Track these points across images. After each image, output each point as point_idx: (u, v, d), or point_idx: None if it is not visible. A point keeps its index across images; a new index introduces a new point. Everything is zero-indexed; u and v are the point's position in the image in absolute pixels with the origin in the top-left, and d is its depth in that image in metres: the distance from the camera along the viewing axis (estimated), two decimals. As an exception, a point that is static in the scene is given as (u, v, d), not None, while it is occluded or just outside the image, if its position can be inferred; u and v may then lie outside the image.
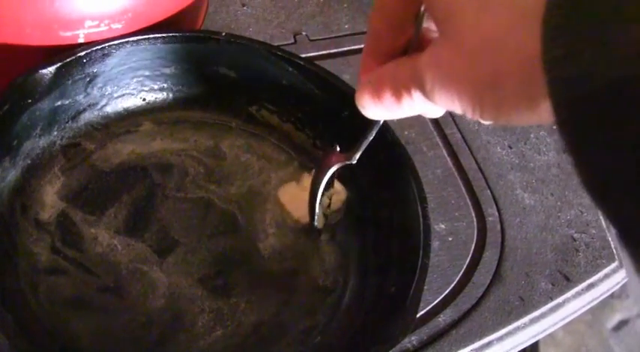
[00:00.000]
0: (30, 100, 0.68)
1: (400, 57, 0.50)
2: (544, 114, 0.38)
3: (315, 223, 0.72)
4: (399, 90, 0.47)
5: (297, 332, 0.68)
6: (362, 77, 0.53)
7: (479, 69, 0.40)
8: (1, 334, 0.56)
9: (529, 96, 0.38)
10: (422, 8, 0.48)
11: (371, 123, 0.62)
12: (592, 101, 0.31)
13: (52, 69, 0.68)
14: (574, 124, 0.33)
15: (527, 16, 0.36)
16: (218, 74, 0.79)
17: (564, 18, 0.33)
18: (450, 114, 0.91)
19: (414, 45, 0.50)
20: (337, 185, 0.73)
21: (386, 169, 0.72)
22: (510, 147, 0.90)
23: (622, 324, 2.04)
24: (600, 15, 0.32)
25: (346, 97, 0.75)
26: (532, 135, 0.93)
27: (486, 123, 0.48)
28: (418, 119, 0.89)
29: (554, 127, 0.90)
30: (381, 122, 0.62)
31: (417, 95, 0.46)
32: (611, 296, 2.05)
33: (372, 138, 0.63)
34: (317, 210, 0.71)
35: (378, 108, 0.51)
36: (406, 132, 0.84)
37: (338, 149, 0.68)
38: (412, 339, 0.71)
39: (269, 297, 0.70)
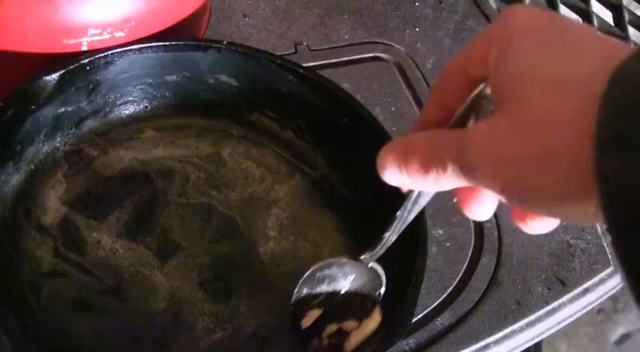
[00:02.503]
0: (34, 106, 0.69)
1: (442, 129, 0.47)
2: (590, 211, 0.37)
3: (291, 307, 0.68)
4: (432, 159, 0.44)
5: (297, 336, 0.69)
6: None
7: (533, 144, 0.38)
8: (3, 336, 0.58)
9: (578, 185, 0.36)
10: (480, 87, 0.46)
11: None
12: None
13: (55, 76, 0.70)
14: (627, 240, 0.32)
15: (595, 105, 0.35)
16: (219, 82, 0.80)
17: (617, 129, 0.33)
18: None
19: (459, 120, 0.47)
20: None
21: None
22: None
23: (625, 338, 2.04)
24: None
25: (346, 105, 0.77)
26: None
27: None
28: (417, 127, 0.90)
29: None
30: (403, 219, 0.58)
31: (451, 169, 0.43)
32: (614, 310, 2.06)
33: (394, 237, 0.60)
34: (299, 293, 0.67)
35: (400, 174, 0.46)
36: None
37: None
38: (410, 342, 0.72)
39: (269, 301, 0.71)
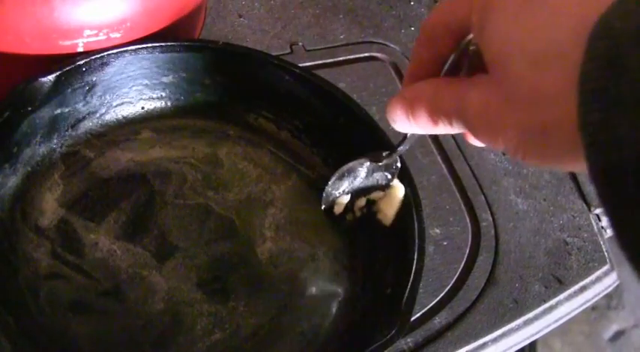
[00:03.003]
0: (30, 108, 0.69)
1: (440, 78, 0.51)
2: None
3: (323, 205, 0.75)
4: (438, 114, 0.47)
5: (295, 334, 0.69)
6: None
7: (527, 119, 0.40)
8: (3, 338, 0.57)
9: (574, 148, 0.38)
10: (468, 38, 0.49)
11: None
12: (636, 168, 0.32)
13: (51, 77, 0.69)
14: (612, 190, 0.33)
15: (573, 75, 0.36)
16: (216, 82, 0.80)
17: (600, 81, 0.34)
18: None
19: (451, 67, 0.51)
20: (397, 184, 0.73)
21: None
22: (503, 154, 0.92)
23: (618, 335, 2.05)
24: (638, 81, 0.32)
25: (342, 105, 0.77)
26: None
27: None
28: (413, 127, 0.91)
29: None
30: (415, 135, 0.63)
31: (457, 125, 0.46)
32: (608, 307, 2.07)
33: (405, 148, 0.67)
34: (328, 191, 0.74)
35: (409, 125, 0.50)
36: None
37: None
38: (408, 341, 0.72)
39: (267, 301, 0.71)
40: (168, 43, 0.76)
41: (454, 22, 0.48)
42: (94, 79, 0.74)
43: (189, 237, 0.73)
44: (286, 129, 0.82)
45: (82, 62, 0.71)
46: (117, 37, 0.73)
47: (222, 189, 0.78)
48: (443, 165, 0.89)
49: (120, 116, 0.79)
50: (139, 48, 0.75)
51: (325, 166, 0.80)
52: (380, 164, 0.70)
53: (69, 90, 0.72)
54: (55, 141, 0.74)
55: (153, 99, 0.80)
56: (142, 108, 0.80)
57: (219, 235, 0.74)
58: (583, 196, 0.89)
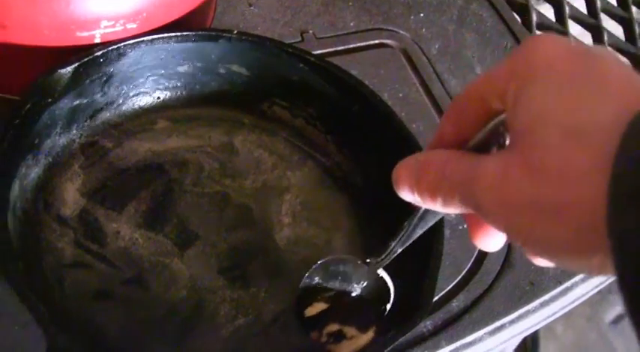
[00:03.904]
0: (50, 100, 0.70)
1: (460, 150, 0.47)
2: (595, 264, 0.36)
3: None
4: (441, 185, 0.44)
5: (298, 321, 0.70)
6: None
7: (547, 194, 0.37)
8: (37, 326, 0.58)
9: (585, 241, 0.36)
10: (501, 117, 0.44)
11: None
12: None
13: (70, 69, 0.70)
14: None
15: (610, 159, 0.34)
16: (230, 71, 0.80)
17: (631, 186, 0.32)
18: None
19: (477, 146, 0.47)
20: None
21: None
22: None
23: (620, 318, 2.06)
24: None
25: (356, 92, 0.78)
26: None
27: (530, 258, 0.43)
28: (424, 111, 0.92)
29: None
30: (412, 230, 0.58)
31: (458, 199, 0.43)
32: (609, 291, 2.08)
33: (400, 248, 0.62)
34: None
35: (410, 193, 0.47)
36: (414, 125, 0.86)
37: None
38: (427, 324, 0.73)
39: (287, 287, 0.72)
40: (184, 33, 0.77)
41: (489, 93, 0.44)
42: (112, 69, 0.75)
43: (208, 225, 0.74)
44: (301, 117, 0.82)
45: (99, 53, 0.72)
46: (133, 27, 0.74)
47: (239, 177, 0.78)
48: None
49: (137, 106, 0.80)
50: (155, 38, 0.75)
51: (340, 153, 0.81)
52: (373, 272, 0.65)
53: (87, 81, 0.73)
54: (74, 131, 0.75)
55: (168, 88, 0.81)
56: (158, 98, 0.80)
57: (238, 223, 0.75)
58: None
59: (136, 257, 0.71)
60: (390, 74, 0.94)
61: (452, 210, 0.45)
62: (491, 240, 0.49)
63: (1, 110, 0.74)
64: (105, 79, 0.75)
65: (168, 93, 0.81)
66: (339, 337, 0.66)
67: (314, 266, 0.67)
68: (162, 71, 0.79)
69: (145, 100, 0.80)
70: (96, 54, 0.72)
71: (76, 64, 0.70)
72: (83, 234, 0.71)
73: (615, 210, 0.32)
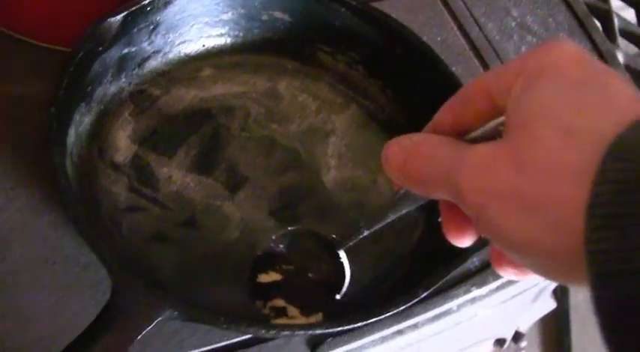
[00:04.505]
0: (101, 48, 0.71)
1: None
2: (564, 271, 0.36)
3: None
4: (428, 168, 0.43)
5: (368, 258, 0.72)
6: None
7: (528, 186, 0.36)
8: (103, 265, 0.61)
9: (558, 241, 0.35)
10: (501, 118, 0.43)
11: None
12: None
13: (119, 18, 0.71)
14: (621, 325, 0.31)
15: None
16: (273, 18, 0.82)
17: (612, 206, 0.31)
18: (494, 50, 0.94)
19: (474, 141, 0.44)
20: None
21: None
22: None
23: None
24: None
25: (399, 35, 0.79)
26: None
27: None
28: (463, 55, 0.93)
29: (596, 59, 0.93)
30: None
31: (441, 184, 0.42)
32: None
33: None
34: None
35: (397, 173, 0.46)
36: (453, 69, 0.87)
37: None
38: (474, 260, 0.75)
39: (336, 227, 0.73)
40: (227, -20, 0.78)
41: (495, 86, 0.43)
42: (158, 18, 0.76)
43: (257, 168, 0.76)
44: (343, 62, 0.84)
45: (146, 2, 0.73)
46: (178, -24, 0.75)
47: (285, 121, 0.80)
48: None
49: (182, 54, 0.81)
50: (200, -14, 0.77)
51: (383, 95, 0.82)
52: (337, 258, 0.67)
53: (135, 29, 0.74)
54: (123, 80, 0.77)
55: (213, 36, 0.82)
56: (203, 45, 0.82)
57: (286, 165, 0.77)
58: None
59: (189, 200, 0.73)
60: (428, 19, 0.95)
61: (433, 195, 0.44)
62: (464, 236, 0.48)
63: (54, 61, 0.76)
64: (152, 27, 0.76)
65: (212, 41, 0.82)
66: (280, 313, 0.67)
67: (282, 233, 0.70)
68: (207, 19, 0.80)
69: (190, 48, 0.81)
70: (143, 3, 0.73)
71: (125, 13, 0.72)
72: (137, 179, 0.73)
73: (592, 230, 0.32)
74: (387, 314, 0.63)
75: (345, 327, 0.63)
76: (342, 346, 0.69)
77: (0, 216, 0.69)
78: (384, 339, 0.71)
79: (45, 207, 0.71)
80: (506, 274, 0.46)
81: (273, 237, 0.70)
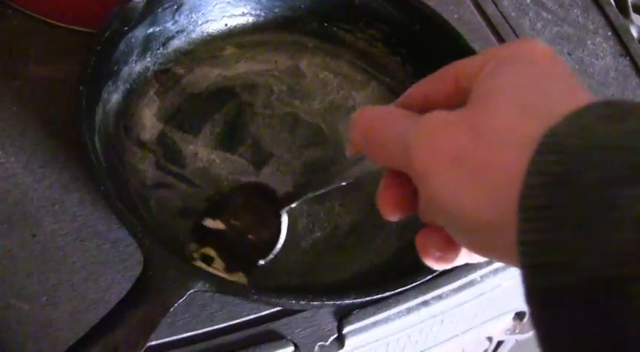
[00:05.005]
0: (126, 28, 0.73)
1: None
2: (504, 250, 0.36)
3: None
4: (389, 134, 0.43)
5: (392, 229, 0.73)
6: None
7: (474, 150, 0.36)
8: (134, 239, 0.62)
9: (494, 210, 0.35)
10: None
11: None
12: (575, 295, 0.30)
13: (144, -2, 0.73)
14: (549, 314, 0.31)
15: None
16: (294, -3, 0.83)
17: (543, 198, 0.32)
18: (510, 26, 0.95)
19: None
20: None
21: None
22: (570, 54, 0.94)
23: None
24: (588, 204, 0.30)
25: (418, 11, 0.80)
26: (589, 42, 0.96)
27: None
28: (480, 31, 0.93)
29: (609, 34, 0.94)
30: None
31: (397, 148, 0.41)
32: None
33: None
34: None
35: (359, 133, 0.46)
36: (471, 45, 0.88)
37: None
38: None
39: (360, 199, 0.74)
40: (250, -41, 0.79)
41: (467, 68, 0.43)
42: (182, -3, 0.78)
43: (281, 144, 0.77)
44: (363, 39, 0.85)
45: (170, -18, 0.75)
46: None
47: (307, 98, 0.81)
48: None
49: (205, 33, 0.82)
50: (222, -35, 0.78)
51: (403, 71, 0.83)
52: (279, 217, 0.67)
53: (159, 9, 0.76)
54: (148, 59, 0.78)
55: (235, 16, 0.83)
56: (225, 25, 0.83)
57: (310, 141, 0.78)
58: (649, 90, 0.92)
59: (215, 176, 0.74)
60: (444, -3, 0.95)
61: (386, 161, 0.44)
62: (398, 210, 0.47)
63: (77, 43, 0.77)
64: (176, 7, 0.78)
65: (234, 21, 0.83)
66: (206, 262, 0.67)
67: (241, 184, 0.72)
68: (229, -1, 0.82)
69: (212, 27, 0.83)
70: (168, -17, 0.75)
71: (150, -7, 0.73)
72: (163, 156, 0.74)
73: (523, 221, 0.32)
74: (414, 284, 0.65)
75: (374, 297, 0.64)
76: (368, 317, 0.70)
77: (30, 194, 0.71)
78: (409, 310, 0.72)
79: (74, 185, 0.72)
80: (431, 261, 0.45)
81: (231, 188, 0.72)
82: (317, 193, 0.63)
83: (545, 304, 0.31)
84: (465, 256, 0.44)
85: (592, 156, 0.31)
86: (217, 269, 0.66)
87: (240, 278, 0.66)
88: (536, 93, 0.37)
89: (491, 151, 0.36)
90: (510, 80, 0.38)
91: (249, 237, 0.68)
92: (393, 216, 0.47)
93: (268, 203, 0.67)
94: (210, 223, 0.69)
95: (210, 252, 0.67)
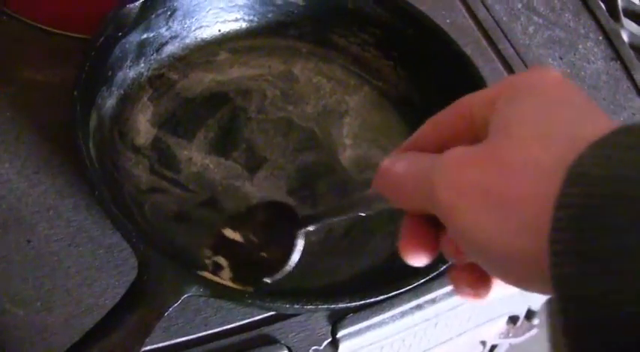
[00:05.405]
0: (120, 34, 0.73)
1: None
2: (536, 281, 0.35)
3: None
4: (411, 170, 0.42)
5: (385, 234, 0.73)
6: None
7: (500, 184, 0.36)
8: (128, 244, 0.62)
9: (522, 244, 0.35)
10: None
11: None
12: (609, 330, 0.30)
13: (137, 4, 0.74)
14: (583, 347, 0.31)
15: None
16: (287, 2, 0.83)
17: (573, 232, 0.31)
18: (501, 31, 0.95)
19: None
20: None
21: (453, 79, 0.77)
22: (561, 58, 0.95)
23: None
24: (618, 239, 0.30)
25: (409, 16, 0.80)
26: (580, 46, 0.97)
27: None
28: (472, 36, 0.94)
29: (600, 38, 0.94)
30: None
31: (422, 185, 0.40)
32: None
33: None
34: None
35: (389, 183, 0.45)
36: (463, 50, 0.88)
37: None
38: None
39: (354, 204, 0.75)
40: (242, -34, 0.80)
41: (479, 102, 0.43)
42: (175, 4, 0.78)
43: (275, 148, 0.78)
44: (356, 44, 0.85)
45: (164, -13, 0.75)
46: (194, -38, 0.77)
47: (300, 102, 0.82)
48: (504, 73, 0.92)
49: (199, 39, 0.83)
50: (216, -29, 0.78)
51: (395, 75, 0.84)
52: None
53: (153, 15, 0.76)
54: (142, 65, 0.78)
55: (228, 21, 0.83)
56: (219, 30, 0.83)
57: (303, 145, 0.79)
58: (641, 94, 0.93)
59: (209, 181, 0.74)
60: (435, 2, 0.96)
61: (408, 202, 0.44)
62: (423, 252, 0.45)
63: (71, 49, 0.78)
64: (169, 13, 0.78)
65: (228, 26, 0.84)
66: (215, 270, 0.66)
67: (268, 201, 0.71)
68: (222, 4, 0.82)
69: (206, 33, 0.83)
70: (161, -12, 0.75)
71: (144, -1, 0.74)
72: (157, 161, 0.75)
73: (556, 255, 0.32)
74: (408, 287, 0.65)
75: (368, 301, 0.65)
76: (362, 321, 0.71)
77: (24, 200, 0.71)
78: (403, 314, 0.72)
79: (68, 191, 0.72)
80: (465, 297, 0.44)
81: (255, 203, 0.72)
82: (337, 219, 0.63)
83: (579, 336, 0.31)
84: (500, 289, 0.43)
85: (619, 188, 0.31)
86: (224, 278, 0.65)
87: (247, 290, 0.65)
88: (556, 121, 0.37)
89: (519, 184, 0.35)
90: (529, 110, 0.38)
91: (263, 254, 0.67)
92: (418, 260, 0.45)
93: (289, 223, 0.66)
94: (229, 233, 0.68)
95: (222, 261, 0.67)
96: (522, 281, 0.38)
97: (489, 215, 0.36)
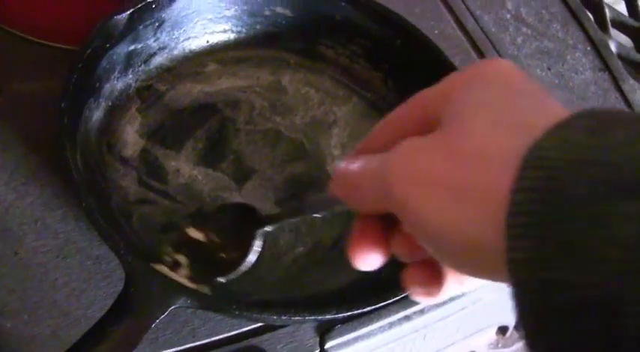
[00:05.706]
0: (108, 45, 0.73)
1: None
2: (486, 266, 0.36)
3: None
4: (365, 170, 0.42)
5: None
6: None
7: (457, 174, 0.36)
8: (116, 256, 0.62)
9: (481, 232, 0.35)
10: None
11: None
12: (565, 314, 0.30)
13: (125, 15, 0.73)
14: (539, 331, 0.31)
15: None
16: (275, 13, 0.83)
17: (530, 216, 0.31)
18: (490, 41, 0.95)
19: None
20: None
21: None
22: (549, 69, 0.95)
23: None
24: (574, 221, 0.30)
25: (398, 27, 0.81)
26: (569, 57, 0.97)
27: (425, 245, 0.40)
28: (460, 46, 0.94)
29: (589, 49, 0.95)
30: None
31: (376, 182, 0.40)
32: None
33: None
34: None
35: (345, 185, 0.45)
36: (452, 60, 0.88)
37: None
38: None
39: (342, 214, 0.74)
40: (230, -23, 0.80)
41: (433, 94, 0.43)
42: (163, 15, 0.78)
43: (263, 160, 0.78)
44: (344, 55, 0.85)
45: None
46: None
47: (289, 113, 0.82)
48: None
49: (187, 50, 0.83)
50: (202, -17, 0.78)
51: (384, 86, 0.84)
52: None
53: (141, 27, 0.76)
54: (130, 76, 0.78)
55: (216, 32, 0.84)
56: (207, 41, 0.83)
57: (291, 156, 0.79)
58: (629, 105, 0.93)
59: (197, 192, 0.74)
60: (424, 12, 0.96)
61: (364, 202, 0.43)
62: (372, 253, 0.45)
63: (58, 59, 0.78)
64: (157, 24, 0.78)
65: (216, 37, 0.84)
66: (174, 268, 0.65)
67: (233, 204, 0.72)
68: (210, 15, 0.82)
69: (194, 44, 0.83)
70: (149, 0, 0.75)
71: (131, 10, 0.74)
72: (145, 173, 0.74)
73: (511, 239, 0.32)
74: (396, 298, 0.65)
75: (356, 312, 0.65)
76: (350, 332, 0.71)
77: (12, 211, 0.71)
78: (392, 325, 0.72)
79: (56, 202, 0.72)
80: (418, 297, 0.45)
81: (221, 203, 0.72)
82: (294, 220, 0.65)
83: (535, 321, 0.31)
84: (454, 287, 0.43)
85: (577, 172, 0.31)
86: (181, 276, 0.65)
87: (202, 289, 0.65)
88: (510, 109, 0.37)
89: (474, 171, 0.35)
90: (481, 99, 0.38)
91: (222, 254, 0.67)
92: (369, 263, 0.45)
93: (252, 225, 0.67)
94: (192, 232, 0.68)
95: (182, 259, 0.66)
96: (478, 270, 0.38)
97: (443, 203, 0.36)
